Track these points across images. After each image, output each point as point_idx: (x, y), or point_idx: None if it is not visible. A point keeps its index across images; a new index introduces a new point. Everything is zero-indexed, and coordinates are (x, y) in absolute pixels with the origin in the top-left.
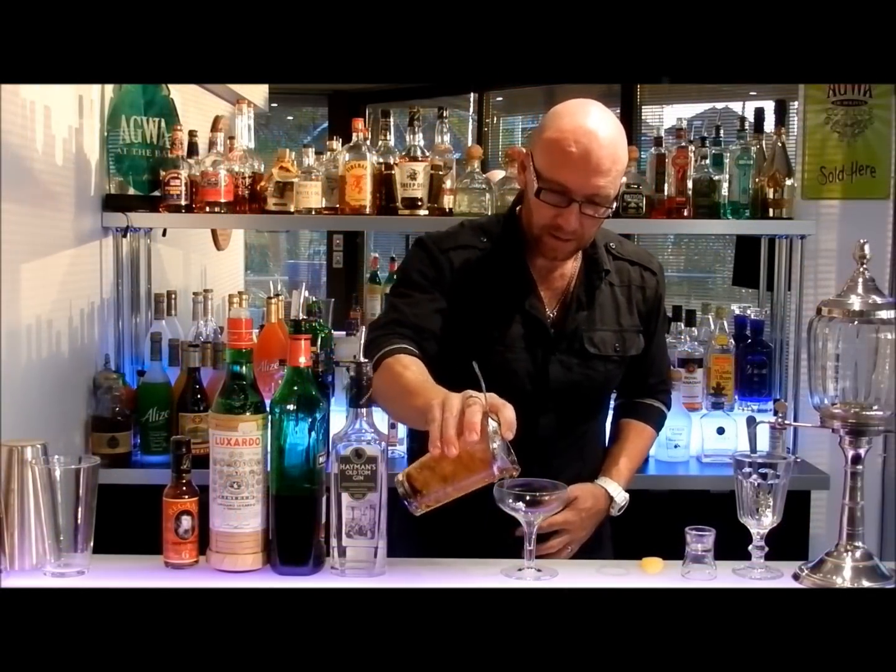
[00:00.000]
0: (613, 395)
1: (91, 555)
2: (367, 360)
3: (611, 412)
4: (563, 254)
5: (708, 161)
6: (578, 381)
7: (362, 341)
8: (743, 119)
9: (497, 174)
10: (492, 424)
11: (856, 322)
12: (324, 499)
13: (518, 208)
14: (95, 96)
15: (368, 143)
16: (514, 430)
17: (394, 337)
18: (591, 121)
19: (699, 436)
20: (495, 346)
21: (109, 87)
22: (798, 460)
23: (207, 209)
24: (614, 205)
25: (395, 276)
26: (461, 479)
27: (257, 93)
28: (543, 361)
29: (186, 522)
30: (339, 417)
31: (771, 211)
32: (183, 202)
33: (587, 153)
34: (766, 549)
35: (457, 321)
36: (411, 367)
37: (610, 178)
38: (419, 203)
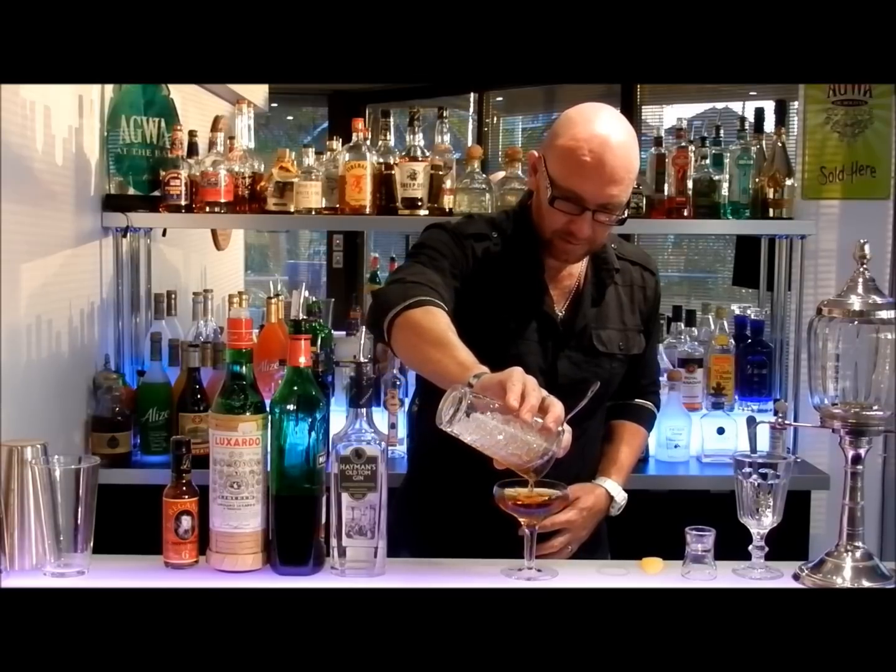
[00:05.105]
0: None
1: (91, 555)
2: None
3: None
4: (574, 257)
5: (708, 161)
6: (586, 377)
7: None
8: (743, 119)
9: (497, 175)
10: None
11: (856, 322)
12: (324, 499)
13: (528, 202)
14: (95, 96)
15: (368, 143)
16: (566, 451)
17: (435, 294)
18: (605, 128)
19: (699, 436)
20: (509, 340)
21: (109, 87)
22: (798, 460)
23: (207, 209)
24: (626, 211)
25: (413, 249)
26: (497, 446)
27: (257, 93)
28: (553, 357)
29: (186, 522)
30: (339, 417)
31: (771, 211)
32: (183, 202)
33: (601, 163)
34: (766, 549)
35: (472, 310)
36: (452, 327)
37: (623, 186)
38: (419, 203)
